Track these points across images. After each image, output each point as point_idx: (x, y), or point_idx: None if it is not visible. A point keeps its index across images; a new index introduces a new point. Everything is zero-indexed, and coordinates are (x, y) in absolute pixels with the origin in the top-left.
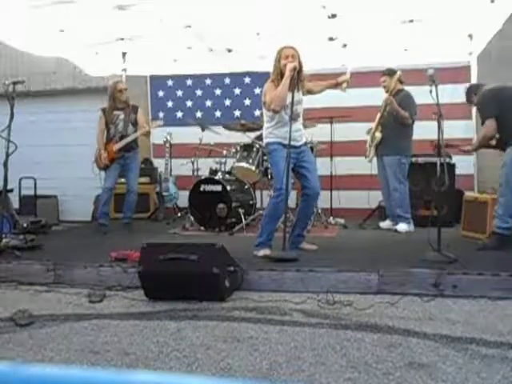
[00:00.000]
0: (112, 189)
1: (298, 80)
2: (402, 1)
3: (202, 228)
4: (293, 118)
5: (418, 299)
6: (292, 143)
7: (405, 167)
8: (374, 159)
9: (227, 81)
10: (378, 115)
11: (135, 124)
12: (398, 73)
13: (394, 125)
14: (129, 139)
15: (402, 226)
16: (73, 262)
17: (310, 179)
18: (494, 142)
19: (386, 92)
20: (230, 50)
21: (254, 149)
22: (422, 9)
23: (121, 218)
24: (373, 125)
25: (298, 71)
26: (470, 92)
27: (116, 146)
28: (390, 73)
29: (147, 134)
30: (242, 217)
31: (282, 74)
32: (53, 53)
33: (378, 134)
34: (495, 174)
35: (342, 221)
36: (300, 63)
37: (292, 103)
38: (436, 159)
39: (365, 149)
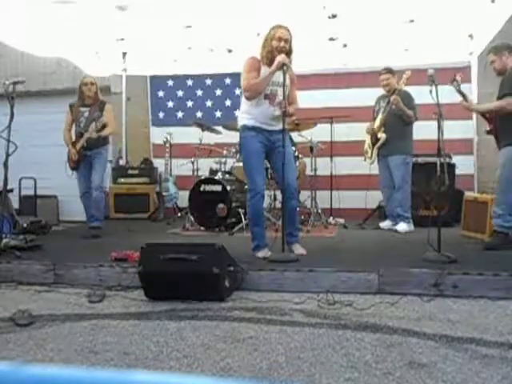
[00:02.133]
0: (86, 192)
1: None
2: (402, 1)
3: (202, 228)
4: (270, 97)
5: (418, 299)
6: (265, 127)
7: (409, 167)
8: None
9: (227, 81)
10: (380, 116)
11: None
12: (408, 73)
13: (398, 125)
14: (85, 137)
15: (402, 226)
16: (73, 262)
17: (285, 172)
18: (488, 129)
19: (388, 91)
20: (230, 50)
21: None
22: (422, 9)
23: (88, 221)
24: (371, 124)
25: (287, 52)
26: (504, 48)
27: (78, 145)
28: (392, 71)
29: (105, 137)
30: (242, 217)
31: (270, 55)
32: (53, 53)
33: (383, 135)
34: (495, 174)
35: (342, 221)
36: (290, 46)
37: (282, 83)
38: (436, 159)
39: (365, 150)
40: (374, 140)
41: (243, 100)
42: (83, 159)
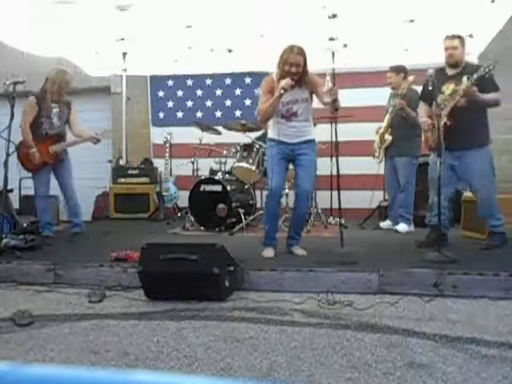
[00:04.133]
0: (44, 196)
1: (300, 79)
2: (402, 1)
3: (202, 228)
4: (287, 116)
5: (418, 299)
6: (283, 139)
7: (415, 169)
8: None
9: (228, 81)
10: (387, 117)
11: (66, 122)
12: (412, 78)
13: (405, 126)
14: (71, 143)
15: (402, 226)
16: (73, 262)
17: (300, 178)
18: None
19: (392, 89)
20: (230, 50)
21: (254, 149)
22: (422, 9)
23: (70, 228)
24: (381, 125)
25: (302, 71)
26: (464, 40)
27: (54, 148)
28: (397, 69)
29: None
30: (242, 217)
31: (282, 76)
32: (53, 53)
33: (388, 137)
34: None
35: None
36: (305, 63)
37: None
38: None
39: (366, 149)
40: (382, 140)
41: None
42: (59, 162)
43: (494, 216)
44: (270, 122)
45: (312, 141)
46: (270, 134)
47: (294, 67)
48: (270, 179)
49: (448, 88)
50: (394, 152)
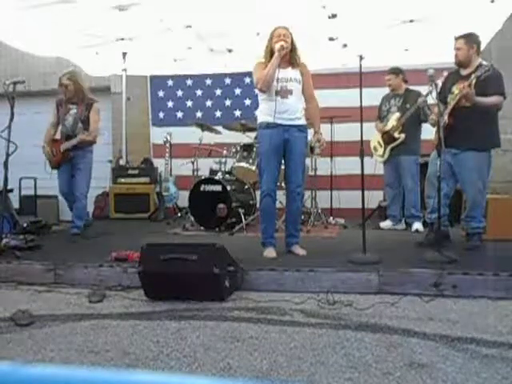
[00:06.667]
0: (65, 193)
1: (290, 57)
2: (402, 1)
3: (202, 228)
4: (281, 93)
5: (417, 299)
6: (277, 121)
7: (418, 167)
8: (373, 158)
9: (227, 81)
10: (397, 115)
11: (86, 122)
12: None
13: (413, 125)
14: (73, 142)
15: (419, 225)
16: (73, 262)
17: (291, 174)
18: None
19: (392, 91)
20: (230, 50)
21: (254, 149)
22: (422, 9)
23: (68, 228)
24: (381, 124)
25: (290, 50)
26: (473, 42)
27: (62, 147)
28: (396, 71)
29: (90, 141)
30: (242, 217)
31: (272, 53)
32: (53, 53)
33: (402, 135)
34: (494, 173)
35: (342, 221)
36: (293, 42)
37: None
38: None
39: (366, 149)
40: (388, 139)
41: (259, 98)
42: (69, 160)
43: (477, 218)
44: (261, 105)
45: (305, 129)
46: (261, 118)
47: (282, 36)
48: (261, 179)
49: (457, 88)
50: (402, 151)
